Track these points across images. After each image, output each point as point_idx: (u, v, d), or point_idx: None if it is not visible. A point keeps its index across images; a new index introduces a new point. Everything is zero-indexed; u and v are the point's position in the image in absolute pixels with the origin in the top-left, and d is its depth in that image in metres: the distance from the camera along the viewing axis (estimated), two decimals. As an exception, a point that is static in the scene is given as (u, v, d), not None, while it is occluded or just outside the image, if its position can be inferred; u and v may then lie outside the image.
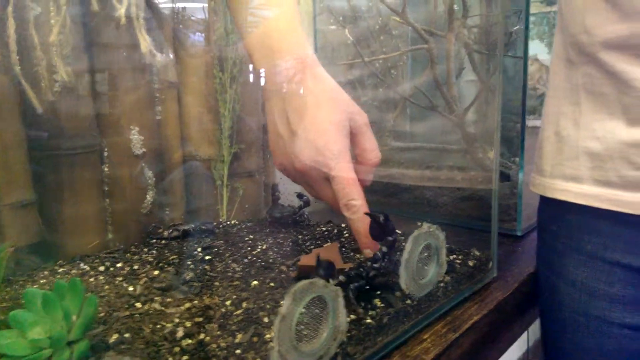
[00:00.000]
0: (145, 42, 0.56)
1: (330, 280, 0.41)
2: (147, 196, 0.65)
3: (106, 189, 0.63)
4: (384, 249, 0.46)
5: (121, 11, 0.52)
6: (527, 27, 0.72)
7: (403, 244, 0.45)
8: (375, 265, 0.45)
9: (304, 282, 0.34)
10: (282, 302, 0.33)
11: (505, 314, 0.54)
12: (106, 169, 0.62)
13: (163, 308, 0.45)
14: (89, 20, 0.58)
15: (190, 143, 0.71)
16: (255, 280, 0.51)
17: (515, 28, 0.80)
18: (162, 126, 0.67)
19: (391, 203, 0.87)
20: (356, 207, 0.47)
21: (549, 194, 0.56)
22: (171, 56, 0.67)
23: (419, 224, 0.45)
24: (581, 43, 0.51)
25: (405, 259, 0.43)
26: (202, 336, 0.39)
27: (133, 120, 0.63)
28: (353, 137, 0.49)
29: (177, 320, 0.42)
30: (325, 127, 0.46)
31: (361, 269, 0.44)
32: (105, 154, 0.62)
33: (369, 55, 1.00)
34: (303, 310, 0.34)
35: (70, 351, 0.36)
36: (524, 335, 1.80)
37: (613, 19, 0.47)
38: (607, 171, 0.50)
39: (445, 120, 0.91)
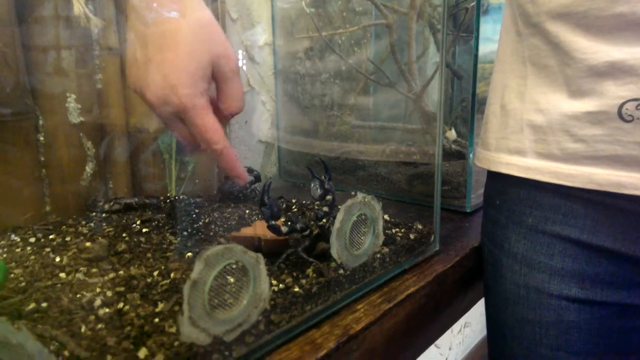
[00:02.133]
0: (78, 4, 0.53)
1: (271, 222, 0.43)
2: (87, 168, 0.63)
3: (42, 158, 0.60)
4: (325, 208, 0.45)
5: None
6: (478, 4, 0.72)
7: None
8: (319, 223, 0.45)
9: (218, 247, 0.33)
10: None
11: (446, 286, 0.54)
12: (42, 138, 0.60)
13: (86, 278, 0.43)
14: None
15: (135, 114, 0.68)
16: (190, 252, 0.49)
17: (471, 4, 0.79)
18: (103, 95, 0.65)
19: (347, 180, 0.86)
20: (219, 150, 0.45)
21: (494, 168, 0.56)
22: (112, 21, 0.64)
23: (353, 193, 0.44)
24: (528, 13, 0.51)
25: (337, 227, 0.43)
26: (120, 305, 0.38)
27: (69, 87, 0.60)
28: (217, 82, 0.46)
29: (98, 289, 0.41)
30: (183, 64, 0.43)
31: (304, 225, 0.44)
32: (40, 122, 0.59)
33: (331, 32, 0.98)
34: (216, 275, 0.33)
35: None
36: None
37: None
38: (549, 144, 0.50)
39: (405, 99, 0.90)
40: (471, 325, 1.80)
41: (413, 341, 0.50)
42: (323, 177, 0.47)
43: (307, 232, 0.45)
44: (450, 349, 1.67)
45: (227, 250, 0.33)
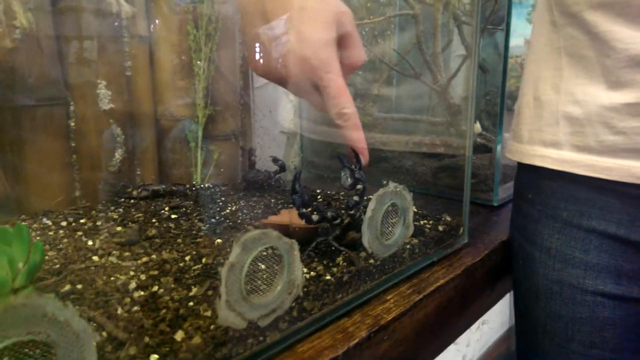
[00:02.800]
0: (110, -10, 0.53)
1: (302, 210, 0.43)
2: (116, 154, 0.64)
3: (73, 144, 0.61)
4: (356, 197, 0.45)
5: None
6: (510, -1, 0.70)
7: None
8: (350, 212, 0.45)
9: (255, 232, 0.33)
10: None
11: (474, 279, 0.53)
12: (72, 124, 0.60)
13: (119, 261, 0.43)
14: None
15: (163, 102, 0.69)
16: (219, 238, 0.49)
17: (501, -3, 0.78)
18: (132, 83, 0.65)
19: (370, 172, 0.86)
20: (348, 114, 0.45)
21: (527, 161, 0.55)
22: (142, 9, 0.64)
23: (384, 182, 0.44)
24: (565, 3, 0.49)
25: (368, 217, 0.42)
26: (155, 288, 0.38)
27: (100, 74, 0.60)
28: (340, 39, 0.45)
29: (132, 273, 0.41)
30: (313, 34, 0.43)
31: (335, 214, 0.44)
32: (72, 108, 0.60)
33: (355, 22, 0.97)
34: (253, 260, 0.33)
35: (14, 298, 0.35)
36: (507, 312, 1.81)
37: None
38: (586, 136, 0.49)
39: (430, 90, 0.89)
40: (489, 323, 1.78)
41: (441, 334, 0.50)
42: (353, 166, 0.47)
43: (337, 221, 0.45)
44: (468, 345, 1.66)
45: (264, 234, 0.33)
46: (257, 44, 0.45)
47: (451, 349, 1.56)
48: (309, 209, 0.45)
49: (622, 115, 0.46)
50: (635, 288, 0.49)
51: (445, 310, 0.49)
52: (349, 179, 0.47)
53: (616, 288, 0.49)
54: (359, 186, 0.46)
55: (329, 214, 0.45)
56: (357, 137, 0.46)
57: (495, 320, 1.81)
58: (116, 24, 0.62)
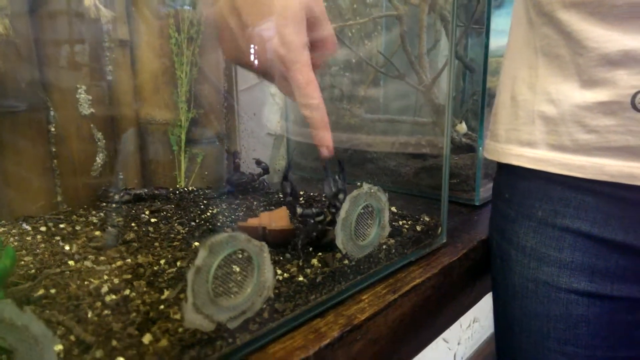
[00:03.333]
0: (88, -5, 0.53)
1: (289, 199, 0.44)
2: (97, 158, 0.64)
3: (54, 149, 0.61)
4: (338, 203, 0.46)
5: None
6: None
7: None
8: (332, 210, 0.45)
9: (222, 235, 0.33)
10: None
11: (452, 278, 0.54)
12: (53, 129, 0.60)
13: (94, 266, 0.43)
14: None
15: (145, 106, 0.69)
16: (197, 241, 0.50)
17: (483, -5, 0.78)
18: (114, 87, 0.65)
19: (355, 173, 0.86)
20: (314, 105, 0.44)
21: (504, 160, 0.55)
22: (123, 14, 0.64)
23: (358, 184, 0.44)
24: (540, 2, 0.50)
25: (342, 218, 0.43)
26: (127, 292, 0.39)
27: (80, 79, 0.61)
28: (310, 27, 0.44)
29: (106, 277, 0.41)
30: (281, 20, 0.42)
31: (318, 210, 0.45)
32: (52, 113, 0.60)
33: (341, 24, 0.97)
34: (220, 263, 0.33)
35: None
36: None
37: None
38: (560, 135, 0.49)
39: (416, 92, 0.90)
40: (480, 321, 1.78)
41: (419, 333, 0.50)
42: (337, 176, 0.47)
43: (321, 217, 0.45)
44: (459, 344, 1.67)
45: (231, 238, 0.34)
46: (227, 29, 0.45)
47: (442, 347, 1.56)
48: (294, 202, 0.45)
49: (595, 113, 0.46)
50: (608, 286, 0.49)
51: (422, 310, 0.49)
52: (332, 189, 0.48)
53: (590, 286, 0.49)
54: (341, 196, 0.47)
55: (314, 209, 0.46)
56: (322, 125, 0.44)
57: (487, 318, 1.82)
58: (97, 28, 0.62)
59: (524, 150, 0.53)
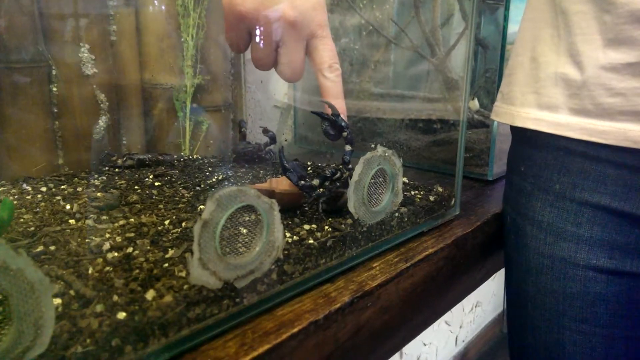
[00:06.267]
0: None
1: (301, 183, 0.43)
2: (100, 121, 0.62)
3: (55, 110, 0.59)
4: (348, 147, 0.44)
5: None
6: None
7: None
8: (348, 167, 0.44)
9: (231, 188, 0.31)
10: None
11: (465, 251, 0.52)
12: (54, 89, 0.58)
13: (96, 225, 0.42)
14: None
15: (149, 69, 0.67)
16: (202, 205, 0.48)
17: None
18: (118, 48, 0.63)
19: (365, 147, 0.84)
20: (338, 69, 0.46)
21: (519, 123, 0.53)
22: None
23: (372, 146, 0.42)
24: None
25: (355, 180, 0.41)
26: (129, 250, 0.37)
27: (83, 37, 0.58)
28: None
29: (108, 235, 0.40)
30: None
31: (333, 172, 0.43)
32: (54, 72, 0.58)
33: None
34: (228, 218, 0.31)
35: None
36: (501, 295, 1.81)
37: None
38: (582, 99, 0.46)
39: (429, 67, 0.87)
40: (482, 305, 1.78)
41: (430, 304, 0.49)
42: (332, 116, 0.45)
43: (337, 175, 0.44)
44: (461, 327, 1.66)
45: (240, 191, 0.32)
46: None
47: (444, 329, 1.56)
48: (305, 181, 0.44)
49: (622, 75, 0.44)
50: (628, 262, 0.47)
51: (434, 281, 0.48)
52: (331, 129, 0.45)
53: (609, 262, 0.48)
54: (345, 133, 0.45)
55: (328, 172, 0.44)
56: (338, 93, 0.46)
57: (490, 303, 1.82)
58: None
59: (542, 113, 0.50)
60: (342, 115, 0.45)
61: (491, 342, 1.84)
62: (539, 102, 0.50)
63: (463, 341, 1.71)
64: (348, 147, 0.43)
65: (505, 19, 0.74)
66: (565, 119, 0.47)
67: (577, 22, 0.46)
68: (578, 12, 0.46)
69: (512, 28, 0.75)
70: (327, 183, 0.44)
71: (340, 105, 0.46)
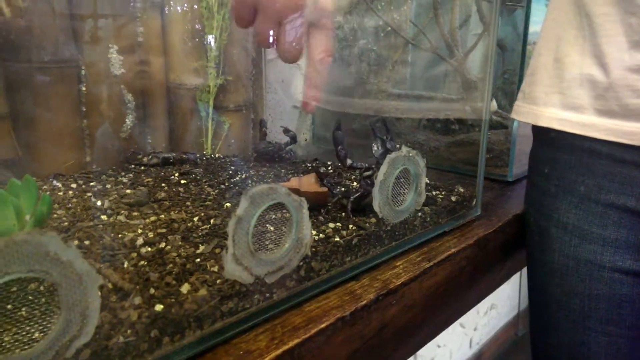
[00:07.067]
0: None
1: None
2: (127, 120, 0.63)
3: (84, 109, 0.61)
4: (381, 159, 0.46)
5: None
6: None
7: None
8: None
9: (263, 186, 0.32)
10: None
11: (487, 251, 0.52)
12: (84, 88, 0.60)
13: (128, 220, 0.43)
14: None
15: (174, 70, 0.68)
16: (228, 202, 0.49)
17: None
18: (144, 49, 0.64)
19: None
20: (328, 61, 0.44)
21: (543, 123, 0.52)
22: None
23: (397, 146, 0.43)
24: None
25: (380, 180, 0.41)
26: (162, 245, 0.38)
27: (112, 38, 0.60)
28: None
29: (140, 230, 0.41)
30: None
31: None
32: (83, 72, 0.60)
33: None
34: (261, 216, 0.32)
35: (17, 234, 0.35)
36: (516, 298, 1.79)
37: None
38: (608, 100, 0.47)
39: (447, 68, 0.87)
40: (497, 308, 1.77)
41: (451, 303, 0.49)
42: (385, 137, 0.46)
43: (370, 172, 0.45)
44: (475, 329, 1.66)
45: (272, 189, 0.33)
46: None
47: (459, 332, 1.55)
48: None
49: None
50: (654, 264, 0.47)
51: (456, 280, 0.48)
52: (380, 149, 0.47)
53: (635, 264, 0.48)
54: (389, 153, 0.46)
55: (361, 164, 0.45)
56: (321, 84, 0.44)
57: (505, 305, 1.80)
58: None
59: (567, 114, 0.50)
60: (313, 102, 0.45)
61: (505, 345, 1.82)
62: (564, 102, 0.50)
63: (477, 344, 1.70)
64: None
65: (527, 19, 0.74)
66: (591, 120, 0.47)
67: (601, 24, 0.46)
68: (603, 14, 0.46)
69: (532, 29, 0.75)
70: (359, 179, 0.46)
71: (315, 93, 0.45)
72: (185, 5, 0.68)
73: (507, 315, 1.87)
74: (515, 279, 1.74)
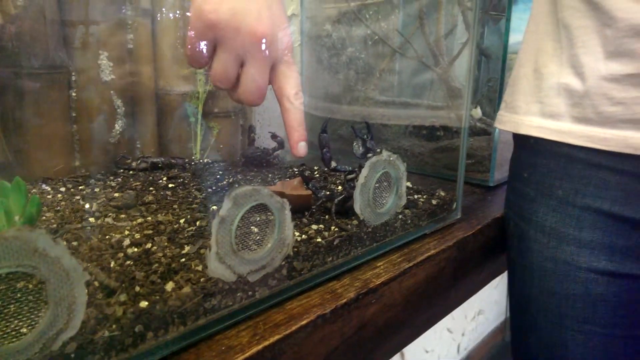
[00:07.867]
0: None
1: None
2: (116, 125, 0.64)
3: (73, 114, 0.62)
4: (370, 155, 0.47)
5: None
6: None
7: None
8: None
9: (246, 187, 0.34)
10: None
11: (466, 253, 0.54)
12: (74, 94, 0.61)
13: (115, 222, 0.44)
14: None
15: (164, 76, 0.69)
16: (214, 205, 0.50)
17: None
18: (134, 55, 0.66)
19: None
20: (302, 97, 0.43)
21: (523, 131, 0.55)
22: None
23: (378, 150, 0.44)
24: None
25: (361, 183, 0.43)
26: (148, 246, 0.39)
27: (102, 45, 0.61)
28: None
29: (127, 232, 0.42)
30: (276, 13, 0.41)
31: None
32: (73, 77, 0.61)
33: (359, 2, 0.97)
34: (244, 217, 0.33)
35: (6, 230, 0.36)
36: (503, 303, 1.81)
37: None
38: (584, 108, 0.49)
39: (433, 76, 0.90)
40: (485, 313, 1.79)
41: (432, 304, 0.51)
42: (365, 136, 0.48)
43: (353, 175, 0.47)
44: (463, 334, 1.67)
45: (255, 191, 0.34)
46: None
47: (446, 337, 1.57)
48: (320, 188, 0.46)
49: (622, 85, 0.46)
50: (628, 264, 0.49)
51: (436, 281, 0.49)
52: (361, 148, 0.48)
53: (609, 264, 0.49)
54: (370, 155, 0.47)
55: (344, 167, 0.47)
56: (303, 119, 0.44)
57: (492, 311, 1.82)
58: (119, -4, 0.63)
59: (546, 122, 0.52)
60: (303, 143, 0.45)
61: (493, 350, 1.84)
62: (543, 111, 0.52)
63: (465, 349, 1.72)
64: (370, 155, 0.46)
65: (507, 30, 0.77)
66: (568, 127, 0.49)
67: (579, 35, 0.48)
68: (580, 26, 0.48)
69: (515, 38, 0.77)
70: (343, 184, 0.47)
71: (303, 132, 0.45)
72: (178, 12, 0.69)
73: (495, 320, 1.89)
74: (502, 284, 1.76)
